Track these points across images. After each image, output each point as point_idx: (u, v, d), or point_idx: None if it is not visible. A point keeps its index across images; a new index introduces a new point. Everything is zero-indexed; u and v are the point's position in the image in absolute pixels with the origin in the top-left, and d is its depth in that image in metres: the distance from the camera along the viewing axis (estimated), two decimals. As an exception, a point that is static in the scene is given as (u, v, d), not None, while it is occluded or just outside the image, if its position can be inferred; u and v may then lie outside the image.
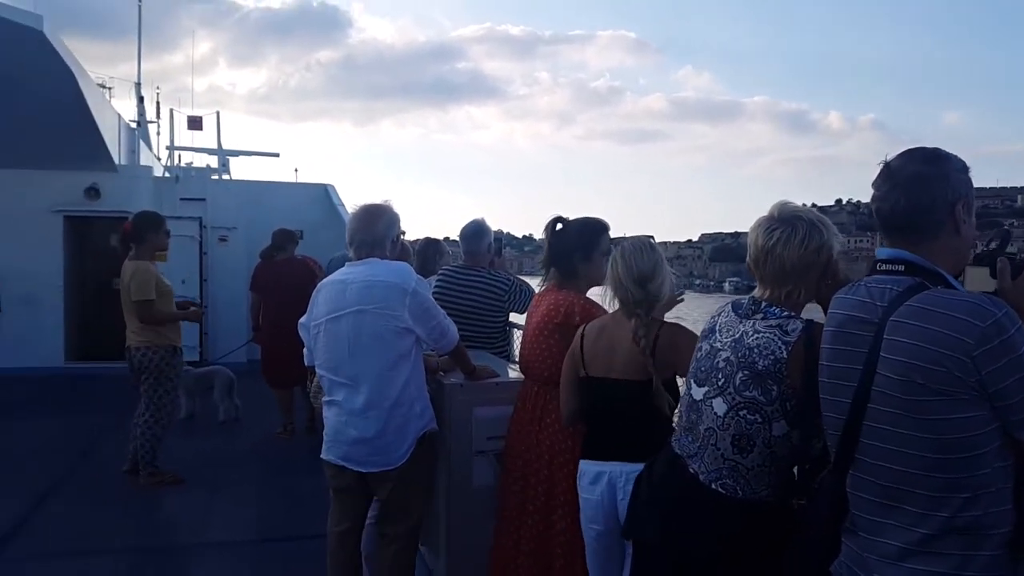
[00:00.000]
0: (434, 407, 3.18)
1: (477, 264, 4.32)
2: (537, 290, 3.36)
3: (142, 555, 4.48)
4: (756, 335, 1.97)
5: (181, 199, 10.86)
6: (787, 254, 1.97)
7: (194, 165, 13.29)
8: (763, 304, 2.02)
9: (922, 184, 1.62)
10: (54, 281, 10.29)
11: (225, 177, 12.70)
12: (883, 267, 1.67)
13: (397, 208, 3.20)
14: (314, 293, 3.20)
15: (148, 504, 5.20)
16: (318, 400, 3.35)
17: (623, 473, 2.53)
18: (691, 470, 2.07)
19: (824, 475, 1.78)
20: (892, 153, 1.70)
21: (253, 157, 14.24)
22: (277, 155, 15.97)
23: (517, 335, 4.44)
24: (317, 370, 3.19)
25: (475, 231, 4.37)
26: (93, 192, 10.23)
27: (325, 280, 3.21)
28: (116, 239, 5.78)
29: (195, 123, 13.07)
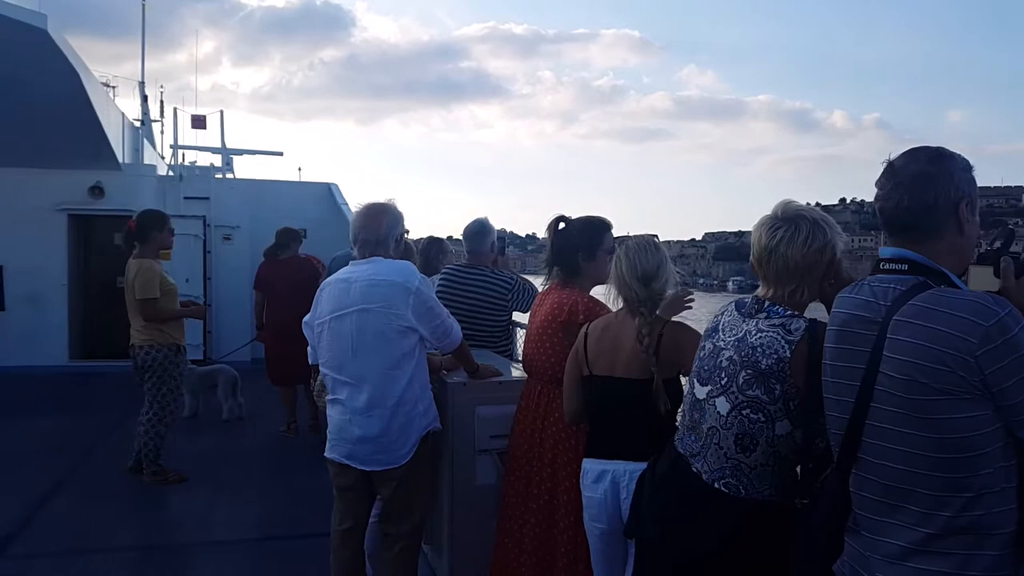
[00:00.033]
0: (437, 406, 3.19)
1: (480, 263, 4.32)
2: (540, 289, 3.36)
3: (145, 553, 4.49)
4: (759, 334, 1.97)
5: (185, 198, 10.88)
6: (790, 253, 1.97)
7: (198, 164, 13.30)
8: (766, 303, 2.02)
9: (925, 183, 1.62)
10: (58, 279, 10.32)
11: (229, 176, 12.71)
12: (886, 266, 1.67)
13: (401, 207, 3.21)
14: (318, 291, 3.21)
15: (152, 502, 5.22)
16: (321, 399, 3.36)
17: (626, 472, 2.53)
18: (694, 469, 2.06)
19: (827, 474, 1.77)
20: (896, 152, 1.70)
21: (257, 156, 14.26)
22: (281, 154, 15.98)
23: (520, 334, 4.44)
24: (321, 368, 3.20)
25: (478, 230, 4.37)
26: (97, 191, 10.26)
27: (329, 279, 3.22)
28: (121, 237, 5.79)
29: (199, 122, 13.08)
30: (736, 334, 2.03)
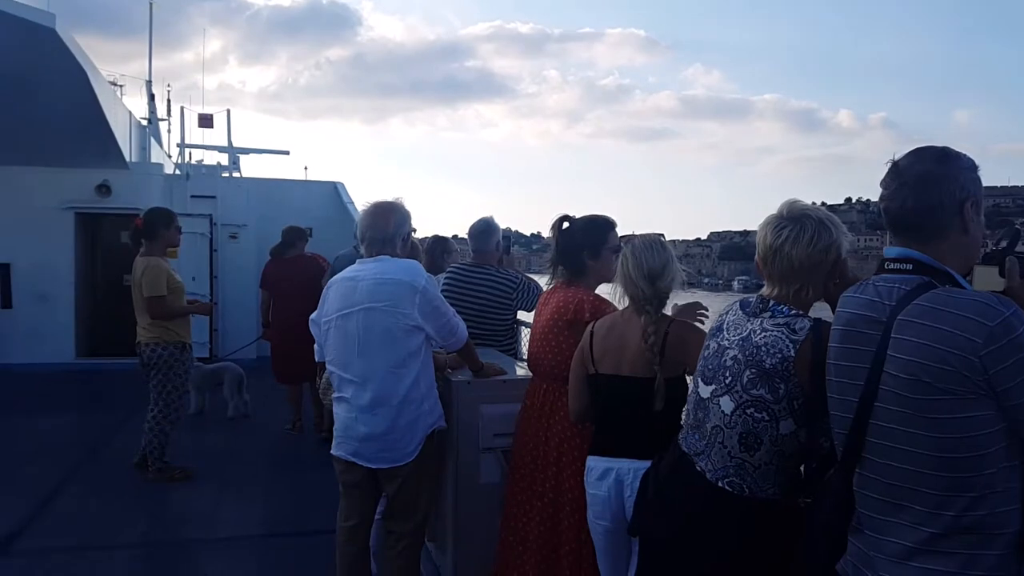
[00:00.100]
0: (442, 404, 3.19)
1: (485, 262, 4.33)
2: (545, 288, 3.36)
3: (151, 550, 4.51)
4: (764, 333, 1.97)
5: (191, 196, 10.91)
6: (795, 252, 1.97)
7: (204, 162, 13.34)
8: (771, 302, 2.02)
9: (930, 183, 1.62)
10: (65, 278, 10.36)
11: (235, 175, 12.74)
12: (891, 266, 1.67)
13: (407, 206, 3.22)
14: (325, 289, 3.22)
15: (157, 499, 5.24)
16: (327, 396, 3.37)
17: (630, 470, 2.53)
18: (698, 468, 2.07)
19: (831, 474, 1.78)
20: (902, 152, 1.70)
21: (263, 155, 14.29)
22: (287, 153, 16.01)
23: (524, 333, 4.45)
24: (327, 366, 3.21)
25: (483, 229, 4.38)
26: (104, 189, 10.30)
27: (336, 276, 3.22)
28: (128, 235, 5.81)
29: (206, 121, 13.11)
30: (741, 333, 2.03)
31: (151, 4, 15.15)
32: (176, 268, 5.68)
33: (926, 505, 1.52)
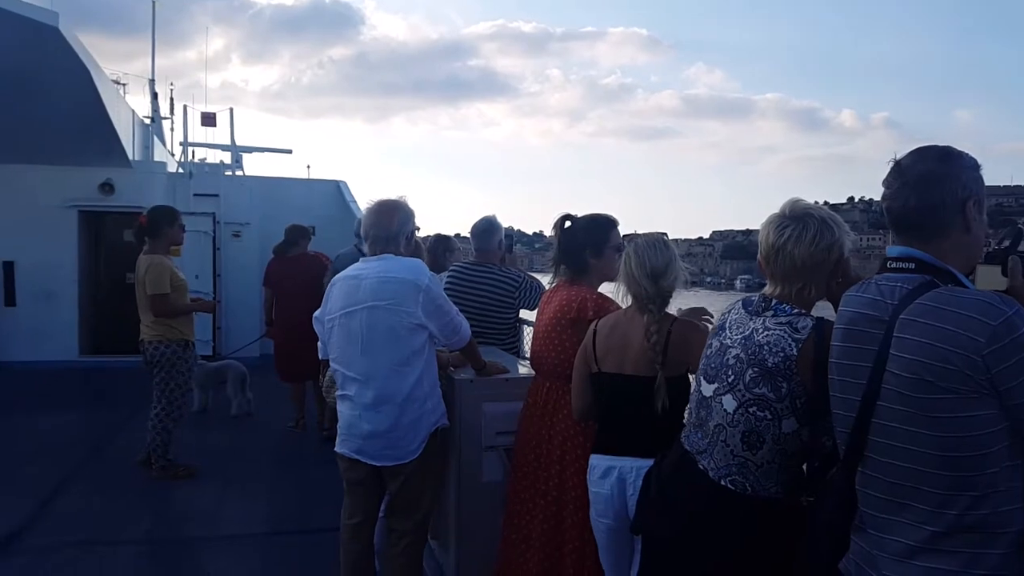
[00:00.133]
0: (444, 402, 3.20)
1: (488, 260, 4.33)
2: (547, 287, 3.37)
3: (155, 547, 4.52)
4: (766, 332, 1.97)
5: (194, 195, 10.93)
6: (798, 252, 1.98)
7: (207, 161, 13.34)
8: (773, 301, 2.02)
9: (932, 182, 1.62)
10: (69, 275, 10.39)
11: (238, 173, 12.75)
12: (893, 265, 1.67)
13: (411, 204, 3.22)
14: (328, 287, 3.23)
15: (161, 497, 5.26)
16: (330, 394, 3.38)
17: (633, 468, 2.54)
18: (700, 466, 2.07)
19: (833, 472, 1.78)
20: (904, 151, 1.70)
21: (266, 153, 14.27)
22: (290, 151, 15.96)
23: (527, 331, 4.46)
24: (331, 364, 3.22)
25: (486, 228, 4.38)
26: (107, 187, 10.32)
27: (339, 275, 3.22)
28: (131, 233, 5.82)
29: (208, 119, 13.11)
30: (743, 332, 2.03)
31: (154, 3, 15.14)
32: (179, 266, 5.69)
33: (929, 504, 1.53)
